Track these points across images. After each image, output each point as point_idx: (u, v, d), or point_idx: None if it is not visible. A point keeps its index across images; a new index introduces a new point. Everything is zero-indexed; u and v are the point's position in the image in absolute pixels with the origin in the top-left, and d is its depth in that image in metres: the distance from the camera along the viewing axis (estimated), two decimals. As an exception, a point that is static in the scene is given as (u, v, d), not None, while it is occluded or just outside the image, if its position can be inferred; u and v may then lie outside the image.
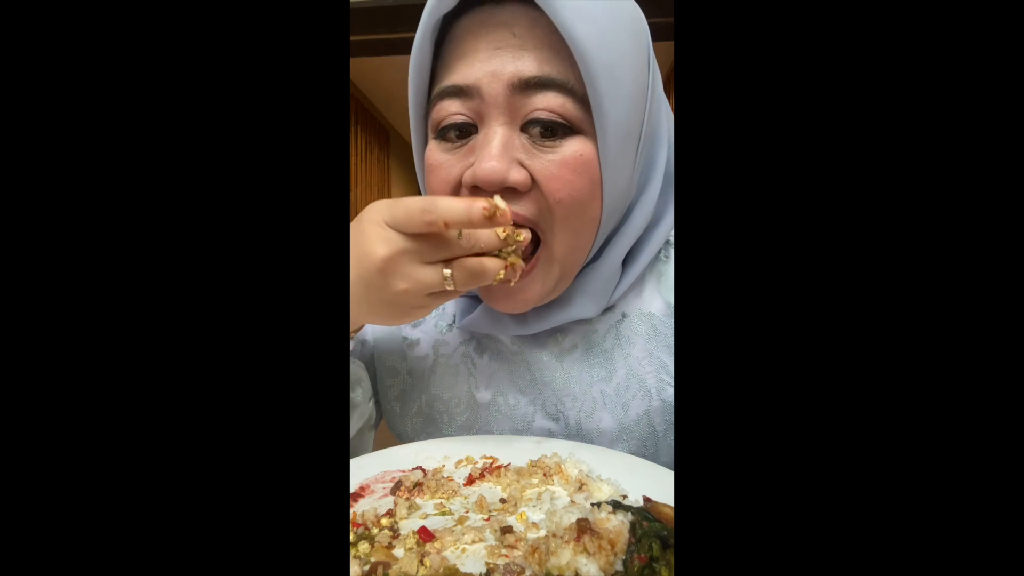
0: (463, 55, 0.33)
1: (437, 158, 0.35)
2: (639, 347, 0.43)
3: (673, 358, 0.42)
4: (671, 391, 0.42)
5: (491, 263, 0.33)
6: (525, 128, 0.33)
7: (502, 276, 0.34)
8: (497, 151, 0.32)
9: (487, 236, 0.32)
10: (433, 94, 0.35)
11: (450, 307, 0.50)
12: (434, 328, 0.50)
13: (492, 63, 0.32)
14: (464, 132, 0.34)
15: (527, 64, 0.32)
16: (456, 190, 0.35)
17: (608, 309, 0.44)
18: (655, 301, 0.44)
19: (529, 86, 0.31)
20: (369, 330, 0.55)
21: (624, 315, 0.44)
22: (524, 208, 0.34)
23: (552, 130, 0.33)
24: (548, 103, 0.32)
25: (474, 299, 0.47)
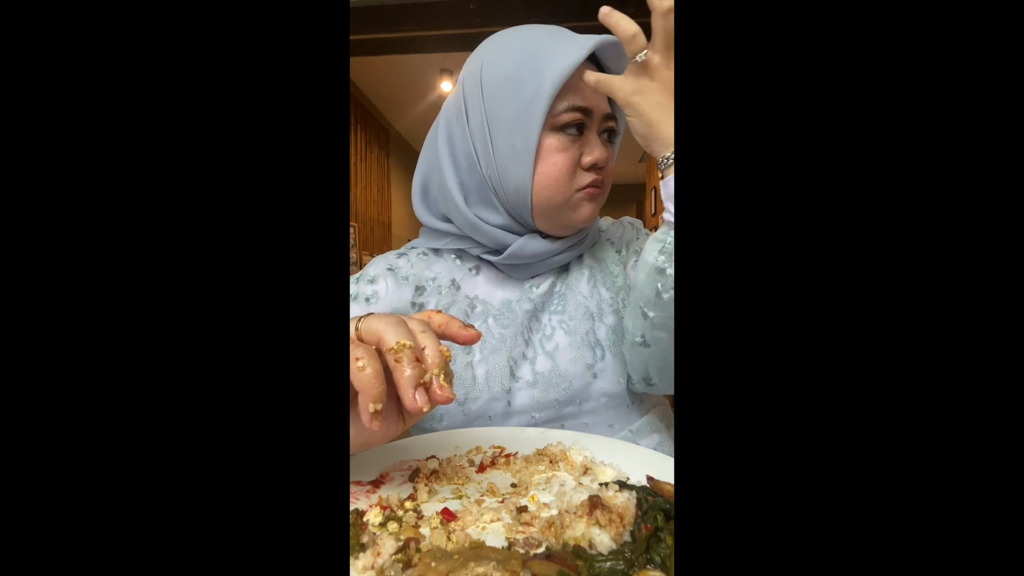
0: (580, 89, 0.58)
1: (561, 143, 0.58)
2: (584, 287, 0.66)
3: (608, 293, 0.65)
4: (611, 315, 0.64)
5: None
6: (599, 135, 0.62)
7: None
8: (603, 147, 0.60)
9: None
10: (562, 106, 0.57)
11: (446, 273, 0.66)
12: (437, 293, 0.66)
13: (595, 99, 0.59)
14: (580, 131, 0.59)
15: (605, 105, 0.61)
16: (576, 166, 0.59)
17: (566, 267, 0.68)
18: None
19: (607, 117, 0.61)
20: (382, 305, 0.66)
21: (572, 270, 0.68)
22: (603, 173, 0.61)
23: (611, 137, 0.63)
24: (610, 125, 0.62)
25: (485, 258, 0.65)
